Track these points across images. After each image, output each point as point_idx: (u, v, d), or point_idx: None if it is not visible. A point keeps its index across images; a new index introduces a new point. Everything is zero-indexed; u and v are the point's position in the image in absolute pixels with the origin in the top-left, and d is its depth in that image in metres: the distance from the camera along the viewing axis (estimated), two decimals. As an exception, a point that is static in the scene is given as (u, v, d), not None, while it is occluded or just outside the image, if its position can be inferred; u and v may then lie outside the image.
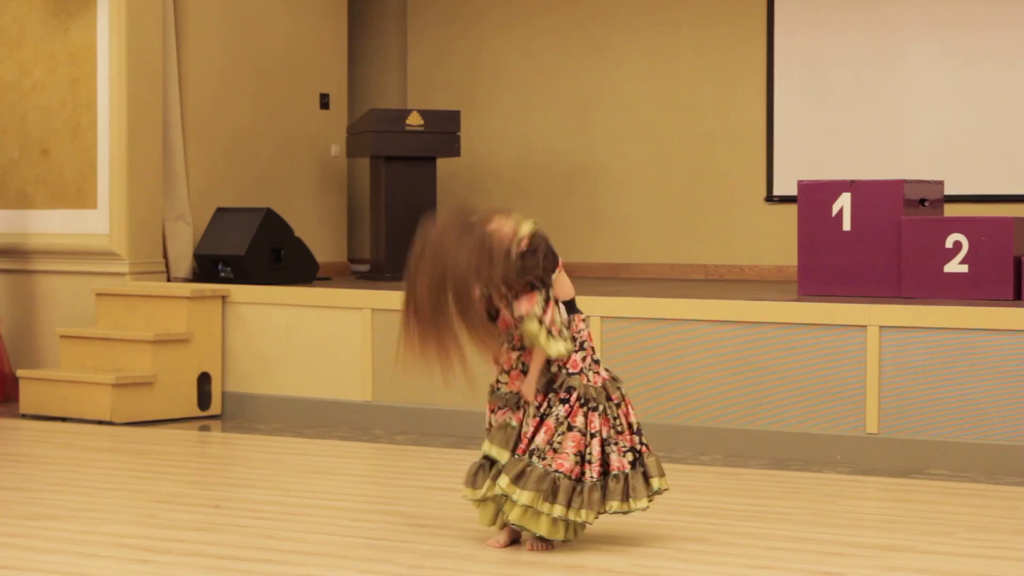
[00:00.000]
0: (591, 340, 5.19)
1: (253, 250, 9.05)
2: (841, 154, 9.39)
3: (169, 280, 9.31)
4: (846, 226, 7.68)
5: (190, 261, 9.40)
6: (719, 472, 6.87)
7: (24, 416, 8.73)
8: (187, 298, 8.70)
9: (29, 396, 8.76)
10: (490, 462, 5.15)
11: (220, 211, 9.44)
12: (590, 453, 5.05)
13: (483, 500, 5.17)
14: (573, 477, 5.03)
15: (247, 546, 5.26)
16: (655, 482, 5.17)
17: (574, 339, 5.13)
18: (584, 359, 5.13)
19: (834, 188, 7.74)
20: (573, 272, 10.43)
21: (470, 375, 4.97)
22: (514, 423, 5.10)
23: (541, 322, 5.03)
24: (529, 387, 5.09)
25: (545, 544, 5.15)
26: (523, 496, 5.00)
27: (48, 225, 9.40)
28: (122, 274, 9.11)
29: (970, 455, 6.83)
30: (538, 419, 5.07)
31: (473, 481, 5.18)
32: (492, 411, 5.21)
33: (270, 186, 9.94)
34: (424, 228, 5.03)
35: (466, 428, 7.69)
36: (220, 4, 9.67)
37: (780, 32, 9.62)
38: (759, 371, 7.28)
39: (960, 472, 6.78)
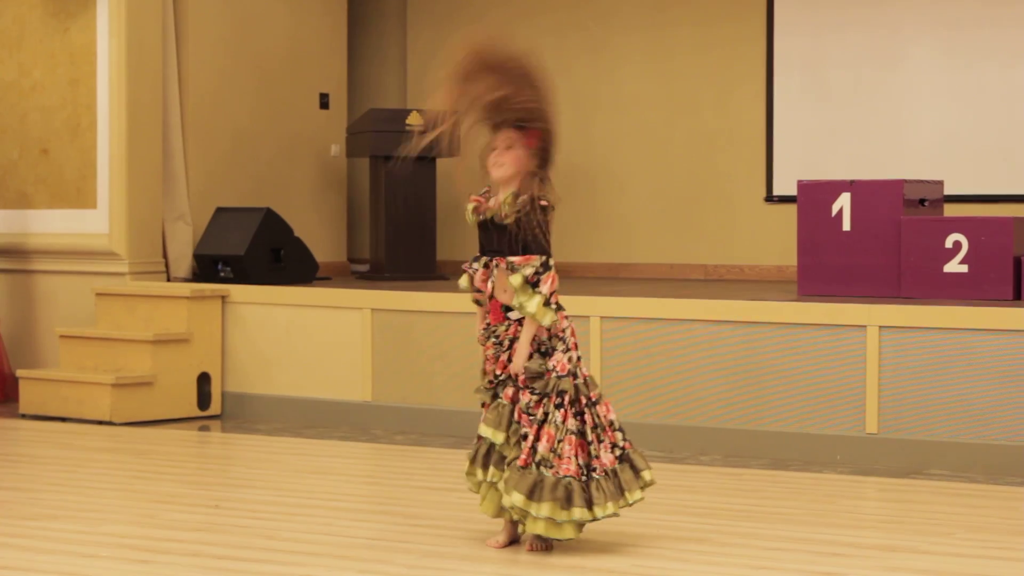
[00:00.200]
0: (575, 337, 5.16)
1: (253, 250, 9.05)
2: (841, 154, 9.39)
3: (169, 280, 9.31)
4: (846, 226, 7.68)
5: (190, 261, 9.40)
6: (719, 472, 6.87)
7: (24, 416, 8.73)
8: (187, 298, 8.70)
9: (29, 396, 8.76)
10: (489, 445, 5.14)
11: (220, 211, 9.44)
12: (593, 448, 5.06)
13: (487, 485, 5.15)
14: (581, 478, 5.03)
15: (247, 546, 5.26)
16: (645, 475, 5.14)
17: (563, 339, 5.11)
18: (570, 360, 5.11)
19: (834, 188, 7.73)
20: (573, 272, 10.47)
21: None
22: (505, 401, 5.07)
23: (530, 284, 4.97)
24: (519, 360, 5.04)
25: (545, 544, 5.15)
26: (543, 509, 4.97)
27: (48, 225, 9.40)
28: (122, 274, 9.11)
29: (970, 455, 6.83)
30: (536, 426, 5.04)
31: (474, 460, 5.17)
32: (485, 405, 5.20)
33: (270, 186, 9.94)
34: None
35: (466, 428, 7.68)
36: (220, 4, 9.68)
37: (780, 32, 9.62)
38: (759, 371, 7.28)
39: (959, 472, 6.78)
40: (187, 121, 9.52)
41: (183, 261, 9.39)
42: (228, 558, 5.08)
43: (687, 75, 9.96)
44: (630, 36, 10.13)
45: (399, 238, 9.57)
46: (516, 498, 4.98)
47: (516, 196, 5.04)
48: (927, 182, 7.92)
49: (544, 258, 5.03)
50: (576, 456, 5.03)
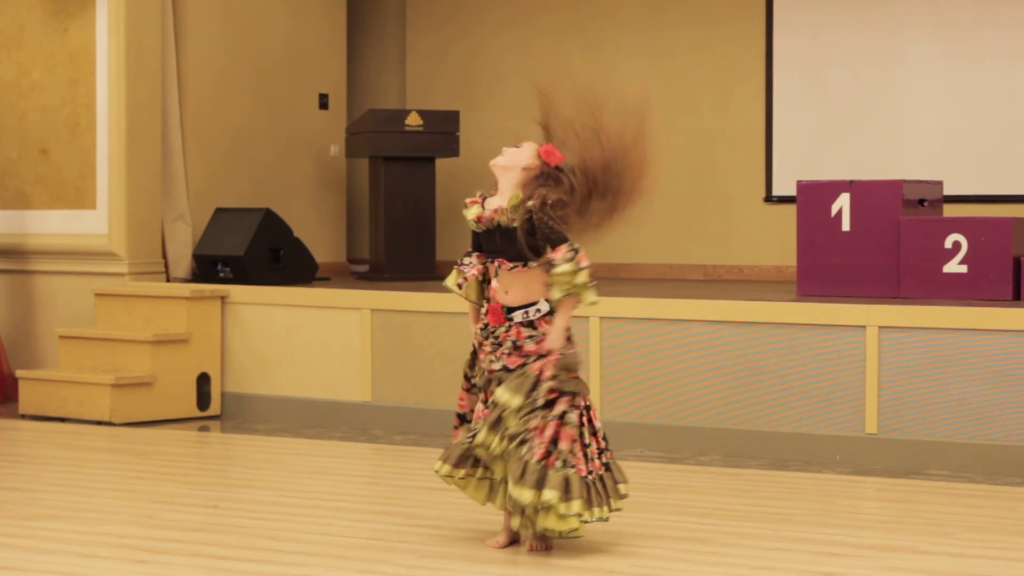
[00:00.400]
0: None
1: (252, 250, 9.05)
2: (840, 154, 9.39)
3: (168, 280, 9.31)
4: (845, 226, 7.68)
5: (189, 261, 9.40)
6: (718, 472, 6.87)
7: (23, 416, 8.72)
8: (186, 298, 8.70)
9: (28, 396, 8.76)
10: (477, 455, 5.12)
11: (219, 211, 9.44)
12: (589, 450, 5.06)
13: (478, 479, 5.14)
14: (589, 478, 5.04)
15: (246, 546, 5.26)
16: (622, 488, 5.15)
17: (572, 341, 5.12)
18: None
19: (833, 188, 7.74)
20: (572, 272, 10.33)
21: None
22: (529, 372, 5.04)
23: (580, 268, 4.99)
24: (556, 339, 5.03)
25: (545, 544, 5.15)
26: (573, 507, 4.96)
27: (47, 225, 9.40)
28: (121, 274, 9.11)
29: (969, 455, 6.83)
30: (557, 421, 5.02)
31: (456, 461, 5.14)
32: (485, 401, 5.15)
33: (269, 186, 9.94)
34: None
35: (465, 428, 7.69)
36: (219, 4, 9.68)
37: (779, 32, 9.62)
38: (758, 371, 7.28)
39: (959, 472, 6.78)
40: (186, 121, 9.52)
41: (182, 261, 9.39)
42: (228, 558, 5.08)
43: (686, 75, 9.96)
44: (629, 36, 10.13)
45: (398, 238, 9.57)
46: (550, 495, 4.91)
47: (523, 201, 5.04)
48: (926, 182, 7.92)
49: (570, 242, 5.04)
50: (584, 457, 5.03)
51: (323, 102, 10.29)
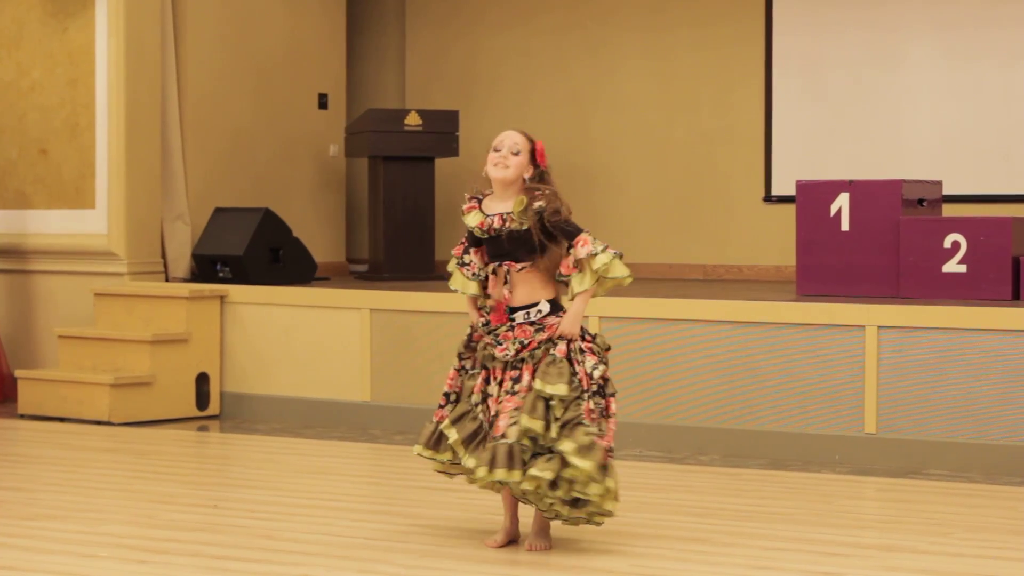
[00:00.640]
0: None
1: (251, 250, 9.05)
2: (839, 154, 9.39)
3: (167, 280, 9.31)
4: (844, 226, 7.68)
5: (188, 261, 9.40)
6: (718, 472, 6.87)
7: (22, 416, 8.72)
8: (185, 298, 8.70)
9: (27, 396, 8.76)
10: (474, 438, 5.12)
11: (218, 211, 9.44)
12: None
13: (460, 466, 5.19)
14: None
15: (246, 546, 5.26)
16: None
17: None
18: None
19: (833, 188, 7.74)
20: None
21: None
22: (560, 357, 5.06)
23: (613, 255, 5.07)
24: (575, 324, 5.08)
25: (545, 544, 5.16)
26: (610, 481, 5.02)
27: (46, 225, 9.40)
28: (120, 274, 9.11)
29: (968, 455, 6.83)
30: (590, 407, 5.05)
31: (438, 446, 5.18)
32: (492, 378, 5.14)
33: (268, 186, 9.94)
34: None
35: (465, 428, 7.68)
36: (218, 4, 9.67)
37: (778, 32, 9.62)
38: (758, 371, 7.28)
39: (958, 472, 6.78)
40: (186, 121, 9.52)
41: (182, 261, 9.39)
42: (227, 558, 5.08)
43: (686, 75, 9.96)
44: (629, 36, 10.13)
45: (398, 238, 9.56)
46: (589, 465, 4.95)
47: (530, 204, 5.07)
48: (926, 182, 7.92)
49: (584, 231, 5.13)
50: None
51: (323, 102, 10.29)
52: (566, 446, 4.97)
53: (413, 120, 9.53)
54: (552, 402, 5.01)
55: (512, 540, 5.23)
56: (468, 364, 5.22)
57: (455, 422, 5.14)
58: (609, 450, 5.05)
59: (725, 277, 9.78)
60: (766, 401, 7.27)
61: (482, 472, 5.02)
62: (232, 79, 9.75)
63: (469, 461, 5.09)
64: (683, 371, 7.45)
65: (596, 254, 5.07)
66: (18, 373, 8.89)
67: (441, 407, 5.23)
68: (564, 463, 4.97)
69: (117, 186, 9.09)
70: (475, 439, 5.11)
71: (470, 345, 5.23)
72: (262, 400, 8.71)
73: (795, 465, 7.03)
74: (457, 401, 5.21)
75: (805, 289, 7.77)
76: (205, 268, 9.24)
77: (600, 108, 10.21)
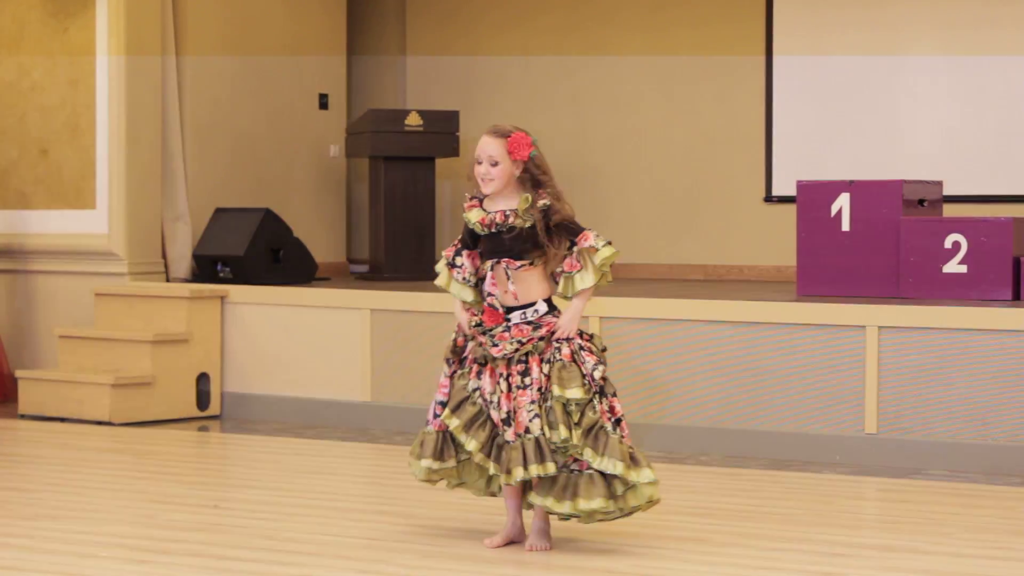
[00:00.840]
0: None
1: (252, 250, 9.05)
2: (840, 154, 9.39)
3: (168, 280, 9.31)
4: (845, 226, 7.68)
5: (189, 261, 9.40)
6: (719, 472, 6.87)
7: (23, 416, 8.72)
8: (186, 298, 8.70)
9: (28, 396, 8.76)
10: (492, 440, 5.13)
11: (219, 211, 9.44)
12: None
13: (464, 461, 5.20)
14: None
15: (246, 546, 5.26)
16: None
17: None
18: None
19: (833, 188, 7.73)
20: (572, 272, 10.31)
21: None
22: (565, 359, 5.08)
23: (613, 249, 5.11)
24: (573, 323, 5.10)
25: (545, 544, 5.16)
26: (643, 474, 5.05)
27: (47, 225, 9.40)
28: (121, 274, 9.11)
29: (969, 456, 6.83)
30: (604, 408, 5.08)
31: (443, 454, 5.19)
32: (492, 374, 5.14)
33: (269, 186, 9.94)
34: None
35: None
36: (219, 4, 9.67)
37: (779, 32, 9.62)
38: (758, 371, 7.28)
39: (958, 472, 6.78)
40: (186, 121, 9.52)
41: (182, 261, 9.39)
42: (228, 558, 5.08)
43: (686, 75, 9.96)
44: (630, 36, 10.13)
45: (398, 238, 9.56)
46: (619, 467, 5.00)
47: (535, 201, 5.08)
48: (926, 182, 7.92)
49: (590, 229, 5.16)
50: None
51: (323, 102, 10.29)
52: (616, 467, 5.00)
53: (413, 120, 9.53)
54: (570, 407, 5.03)
55: (513, 541, 5.23)
56: (456, 368, 5.23)
57: (454, 410, 5.15)
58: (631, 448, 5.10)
59: (725, 277, 9.78)
60: (766, 401, 7.27)
61: (519, 472, 5.01)
62: (233, 79, 9.75)
63: (470, 444, 5.10)
64: (683, 371, 7.45)
65: (599, 248, 5.09)
66: (18, 373, 8.89)
67: (437, 416, 5.23)
68: (609, 479, 5.02)
69: (118, 186, 9.09)
70: (475, 423, 5.12)
71: (456, 350, 5.23)
72: (262, 400, 8.71)
73: (795, 465, 7.03)
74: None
75: (805, 289, 7.77)
76: (206, 268, 9.24)
77: (600, 108, 10.21)
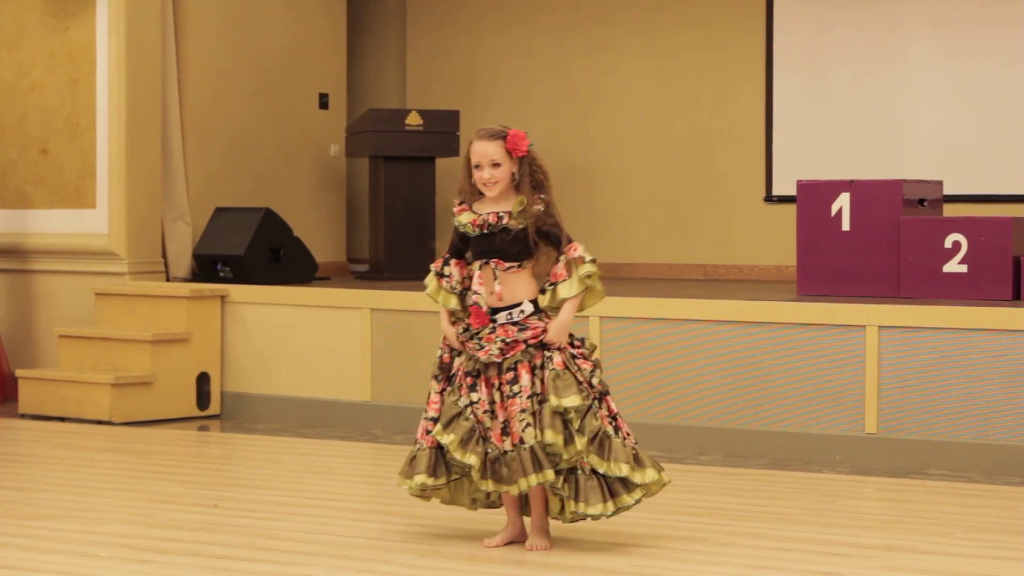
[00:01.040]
0: None
1: (252, 250, 9.05)
2: (840, 154, 9.39)
3: (168, 280, 9.31)
4: (845, 226, 7.68)
5: (189, 261, 9.40)
6: (719, 472, 6.87)
7: (23, 416, 8.72)
8: (186, 298, 8.70)
9: (28, 396, 8.76)
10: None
11: (219, 211, 9.43)
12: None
13: (452, 481, 5.20)
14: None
15: (246, 546, 5.26)
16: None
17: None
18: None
19: (833, 188, 7.73)
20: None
21: None
22: (557, 368, 5.09)
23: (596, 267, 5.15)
24: (562, 332, 5.10)
25: (545, 544, 5.16)
26: (647, 475, 5.11)
27: (47, 225, 9.40)
28: (121, 274, 9.11)
29: (969, 455, 6.83)
30: (604, 411, 5.11)
31: (436, 471, 5.18)
32: (481, 382, 5.13)
33: (269, 186, 9.94)
34: None
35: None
36: (219, 4, 9.67)
37: (779, 32, 9.62)
38: (758, 371, 7.28)
39: (959, 472, 6.78)
40: (186, 121, 9.52)
41: (182, 261, 9.39)
42: (228, 558, 5.08)
43: (686, 75, 9.96)
44: (629, 36, 10.13)
45: (398, 238, 9.56)
46: (624, 468, 5.06)
47: (529, 205, 5.10)
48: (926, 182, 7.92)
49: (571, 239, 5.19)
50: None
51: (323, 102, 10.29)
52: (621, 470, 5.06)
53: (414, 120, 9.53)
54: (568, 416, 5.03)
55: (513, 541, 5.23)
56: (445, 386, 5.22)
57: (447, 426, 5.13)
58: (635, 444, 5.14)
59: (726, 277, 9.78)
60: (767, 401, 7.27)
61: (523, 484, 5.03)
62: (233, 79, 9.75)
63: (470, 459, 5.09)
64: (683, 371, 7.45)
65: (585, 260, 5.11)
66: (18, 373, 8.89)
67: (428, 432, 5.22)
68: (612, 486, 5.07)
69: (118, 186, 9.09)
70: (471, 439, 5.11)
71: (443, 367, 5.23)
72: (263, 400, 8.71)
73: (795, 465, 7.03)
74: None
75: (806, 289, 7.77)
76: (206, 268, 9.24)
77: (600, 108, 10.21)
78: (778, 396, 7.24)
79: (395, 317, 8.27)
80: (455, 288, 5.22)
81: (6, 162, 9.55)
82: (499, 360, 5.08)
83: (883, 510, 6.24)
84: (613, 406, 5.15)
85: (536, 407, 5.05)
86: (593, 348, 5.20)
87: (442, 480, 5.19)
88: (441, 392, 5.20)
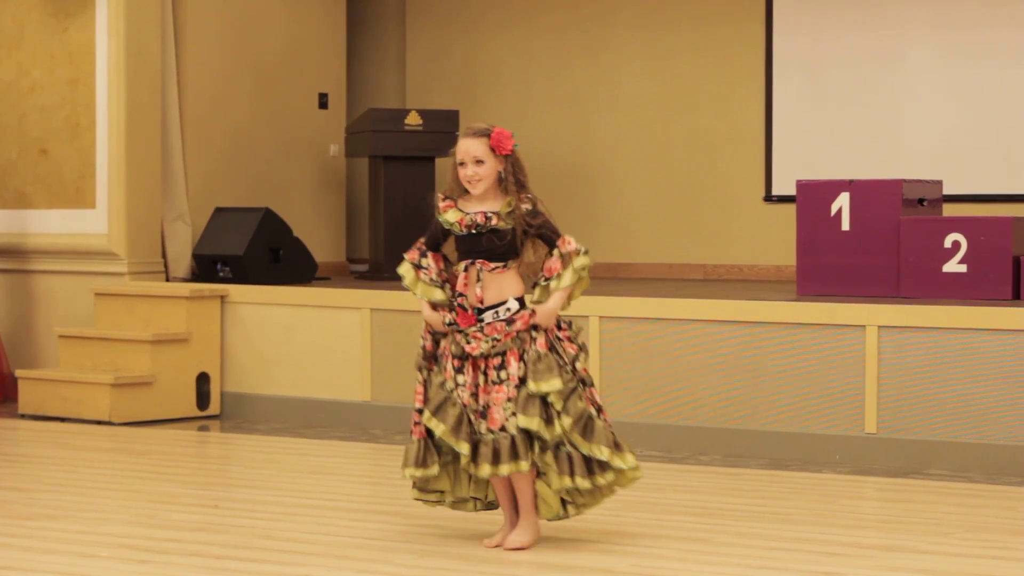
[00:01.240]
0: None
1: (252, 250, 9.05)
2: (840, 154, 9.39)
3: (168, 280, 9.31)
4: (845, 226, 7.68)
5: (189, 261, 9.40)
6: (718, 472, 6.87)
7: (23, 416, 8.72)
8: (186, 298, 8.70)
9: (28, 396, 8.76)
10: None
11: (219, 211, 9.43)
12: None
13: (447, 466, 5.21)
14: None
15: (246, 546, 5.26)
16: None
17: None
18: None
19: (833, 188, 7.73)
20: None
21: None
22: (541, 350, 5.09)
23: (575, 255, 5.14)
24: (551, 316, 5.11)
25: (525, 539, 5.17)
26: (627, 459, 5.15)
27: (47, 225, 9.40)
28: (121, 274, 9.11)
29: (968, 455, 6.83)
30: (588, 397, 5.13)
31: (426, 460, 5.18)
32: (469, 364, 5.14)
33: (269, 186, 9.94)
34: None
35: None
36: (219, 4, 9.67)
37: (779, 32, 9.62)
38: (758, 371, 7.28)
39: (958, 472, 6.78)
40: (186, 121, 9.52)
41: (182, 261, 9.39)
42: (227, 558, 5.08)
43: (686, 75, 9.96)
44: (629, 36, 10.13)
45: (398, 238, 9.55)
46: (604, 452, 5.09)
47: (518, 205, 5.10)
48: (926, 182, 7.92)
49: (563, 234, 5.20)
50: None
51: (323, 102, 10.29)
52: (602, 453, 5.08)
53: (413, 120, 9.53)
54: (549, 398, 5.03)
55: (510, 540, 5.24)
56: (432, 367, 5.24)
57: (436, 413, 5.14)
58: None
59: (725, 277, 9.78)
60: (766, 401, 7.27)
61: (486, 469, 5.03)
62: (232, 79, 9.75)
63: (463, 447, 5.09)
64: (683, 371, 7.45)
65: (580, 253, 5.12)
66: (18, 373, 8.89)
67: (416, 424, 5.23)
68: (592, 466, 5.09)
69: (117, 186, 9.09)
70: (461, 424, 5.11)
71: (426, 356, 5.24)
72: (262, 400, 8.71)
73: (795, 465, 7.03)
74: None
75: (805, 289, 7.77)
76: (205, 268, 9.24)
77: (600, 108, 10.21)
78: (778, 396, 7.24)
79: (395, 317, 8.27)
80: (435, 281, 5.22)
81: (6, 162, 9.55)
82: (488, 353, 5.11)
83: (883, 510, 6.24)
84: (597, 397, 5.16)
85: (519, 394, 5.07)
86: (579, 331, 5.20)
87: (433, 469, 5.17)
88: (425, 381, 5.22)
